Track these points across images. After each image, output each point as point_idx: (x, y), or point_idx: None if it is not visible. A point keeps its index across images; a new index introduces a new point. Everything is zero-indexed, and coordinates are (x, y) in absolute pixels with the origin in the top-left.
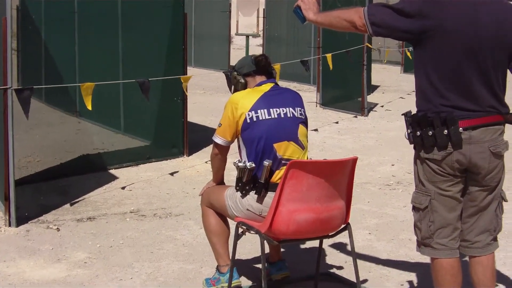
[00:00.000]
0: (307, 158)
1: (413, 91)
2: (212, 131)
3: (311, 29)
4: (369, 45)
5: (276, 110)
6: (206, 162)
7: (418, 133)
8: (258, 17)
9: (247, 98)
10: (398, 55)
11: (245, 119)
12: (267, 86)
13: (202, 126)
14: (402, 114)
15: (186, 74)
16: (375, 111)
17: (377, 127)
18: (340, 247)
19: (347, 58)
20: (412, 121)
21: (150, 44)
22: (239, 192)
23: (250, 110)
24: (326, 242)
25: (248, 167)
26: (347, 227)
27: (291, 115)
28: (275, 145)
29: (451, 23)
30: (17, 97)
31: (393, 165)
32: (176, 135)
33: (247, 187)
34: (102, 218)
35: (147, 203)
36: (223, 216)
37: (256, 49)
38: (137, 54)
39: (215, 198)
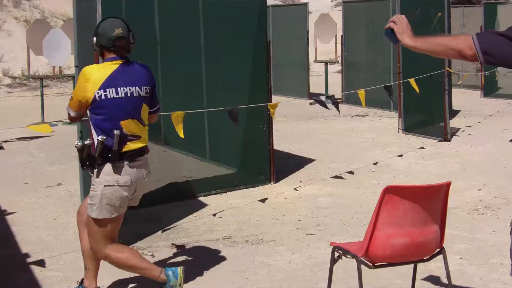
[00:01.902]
0: (147, 134)
1: (492, 115)
2: (296, 158)
3: (390, 55)
4: (450, 70)
5: (124, 89)
6: (294, 189)
7: None
8: (336, 43)
9: (98, 74)
10: (476, 79)
11: (95, 96)
12: (117, 64)
13: (286, 153)
14: (510, 141)
15: (271, 101)
16: (458, 136)
17: (461, 152)
18: (432, 271)
19: (428, 83)
20: None
21: (233, 72)
22: (94, 170)
23: (100, 89)
24: (418, 266)
25: (100, 139)
26: (442, 251)
27: (137, 94)
28: (122, 123)
29: None
30: None
31: (480, 190)
32: (262, 162)
33: (99, 161)
34: (195, 245)
35: (238, 230)
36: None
37: (335, 75)
38: (221, 82)
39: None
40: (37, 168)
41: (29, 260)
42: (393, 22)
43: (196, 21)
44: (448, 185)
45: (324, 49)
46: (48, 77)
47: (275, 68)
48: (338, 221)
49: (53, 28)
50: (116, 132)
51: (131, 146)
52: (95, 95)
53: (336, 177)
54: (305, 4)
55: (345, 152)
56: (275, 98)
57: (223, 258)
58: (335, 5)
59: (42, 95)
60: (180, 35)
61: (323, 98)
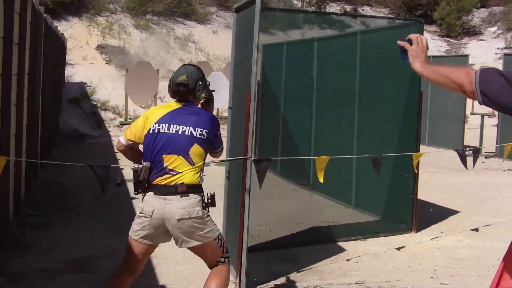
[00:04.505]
0: (200, 175)
1: None
2: (441, 209)
3: None
4: None
5: (176, 127)
6: (431, 239)
7: None
8: None
9: (158, 112)
10: None
11: (149, 129)
12: (179, 105)
13: (432, 204)
14: None
15: (419, 152)
16: None
17: None
18: None
19: None
20: None
21: (385, 121)
22: (140, 196)
23: (156, 123)
24: None
25: (145, 164)
26: None
27: (189, 134)
28: (164, 156)
29: None
30: (255, 167)
31: None
32: (405, 211)
33: (141, 187)
34: (328, 287)
35: (372, 275)
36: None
37: (491, 129)
38: (372, 130)
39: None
40: None
41: None
42: (411, 40)
43: (352, 70)
44: None
45: None
46: None
47: (431, 118)
48: (473, 273)
49: (214, 71)
50: (145, 164)
51: (162, 179)
52: (150, 128)
53: (477, 229)
54: (466, 56)
55: (490, 206)
56: (429, 149)
57: None
58: (499, 58)
59: None
60: (336, 82)
61: (469, 150)
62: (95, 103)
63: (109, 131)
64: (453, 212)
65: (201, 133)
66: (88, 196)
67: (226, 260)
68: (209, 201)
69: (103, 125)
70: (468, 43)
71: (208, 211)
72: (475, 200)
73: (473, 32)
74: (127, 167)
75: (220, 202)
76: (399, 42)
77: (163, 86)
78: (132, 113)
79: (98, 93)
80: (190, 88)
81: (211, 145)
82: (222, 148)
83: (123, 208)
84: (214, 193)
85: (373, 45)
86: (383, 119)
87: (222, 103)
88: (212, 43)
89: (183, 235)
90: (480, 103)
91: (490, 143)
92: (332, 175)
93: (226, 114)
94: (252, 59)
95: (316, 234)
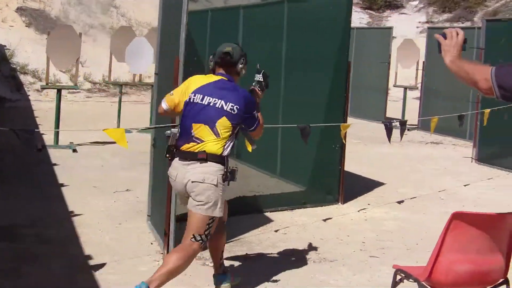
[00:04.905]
0: (223, 147)
1: None
2: (366, 180)
3: None
4: None
5: (209, 99)
6: (358, 211)
7: None
8: (417, 69)
9: (197, 82)
10: None
11: (188, 98)
12: (218, 77)
13: (357, 175)
14: None
15: (346, 122)
16: None
17: None
18: None
19: (508, 113)
20: None
21: (311, 90)
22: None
23: (193, 92)
24: None
25: (174, 131)
26: (506, 281)
27: (219, 106)
28: (193, 124)
29: None
30: None
31: None
32: (332, 182)
33: (170, 152)
34: (256, 259)
35: (301, 247)
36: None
37: (413, 101)
38: (298, 100)
39: None
40: (107, 173)
41: (90, 262)
42: (445, 34)
43: (279, 39)
44: None
45: (405, 74)
46: (127, 84)
47: (354, 90)
48: (402, 246)
49: (137, 36)
50: (173, 130)
51: (189, 146)
52: (189, 97)
53: (403, 202)
54: (390, 28)
55: (415, 178)
56: (352, 120)
57: (283, 275)
58: (421, 31)
59: (120, 101)
60: (261, 50)
61: (395, 122)
62: (15, 66)
63: (29, 95)
64: (379, 184)
65: (231, 107)
66: (9, 161)
67: (201, 242)
68: (230, 174)
69: (22, 89)
70: (390, 16)
71: (228, 184)
72: (400, 172)
73: (394, 6)
74: (48, 133)
75: (145, 169)
76: (435, 35)
77: (85, 50)
78: (52, 77)
79: (18, 56)
80: (234, 60)
81: (244, 123)
82: (259, 127)
83: (44, 174)
84: (236, 167)
85: (301, 15)
86: (310, 89)
87: (144, 69)
88: (134, 8)
89: (194, 197)
90: (498, 98)
91: (411, 116)
92: (257, 144)
93: (148, 80)
94: (181, 25)
95: (242, 204)
